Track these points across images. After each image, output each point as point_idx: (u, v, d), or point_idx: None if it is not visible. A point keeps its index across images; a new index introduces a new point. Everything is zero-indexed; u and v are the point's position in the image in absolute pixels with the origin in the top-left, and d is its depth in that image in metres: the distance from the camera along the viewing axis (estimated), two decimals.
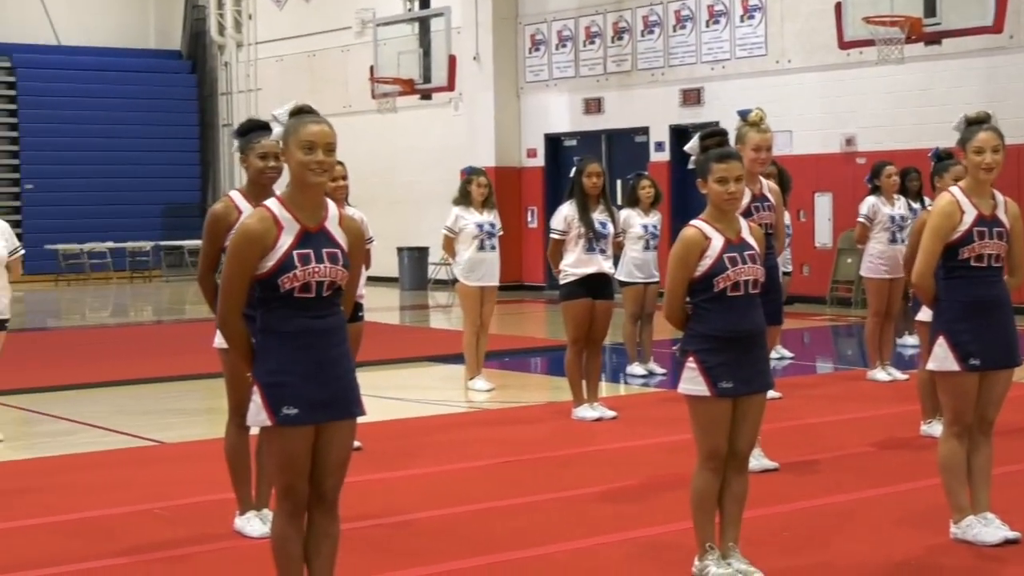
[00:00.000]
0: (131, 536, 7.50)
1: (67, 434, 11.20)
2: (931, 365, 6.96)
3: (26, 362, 14.91)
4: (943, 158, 9.40)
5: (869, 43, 19.52)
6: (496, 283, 13.10)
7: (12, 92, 33.00)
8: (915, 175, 14.35)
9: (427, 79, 26.03)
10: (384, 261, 20.68)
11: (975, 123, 6.89)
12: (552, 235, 11.18)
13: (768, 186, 8.72)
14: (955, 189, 6.94)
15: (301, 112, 5.35)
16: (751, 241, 6.29)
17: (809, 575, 6.51)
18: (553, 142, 26.77)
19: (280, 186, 7.52)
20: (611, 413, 11.13)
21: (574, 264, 11.04)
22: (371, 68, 26.86)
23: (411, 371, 15.15)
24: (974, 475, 6.95)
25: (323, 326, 5.25)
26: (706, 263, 6.14)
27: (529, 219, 26.81)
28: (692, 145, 6.46)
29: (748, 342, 6.19)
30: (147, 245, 32.60)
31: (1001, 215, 6.89)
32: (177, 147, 34.16)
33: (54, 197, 32.36)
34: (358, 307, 9.16)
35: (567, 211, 11.10)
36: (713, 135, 6.40)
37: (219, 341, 7.16)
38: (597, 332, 11.11)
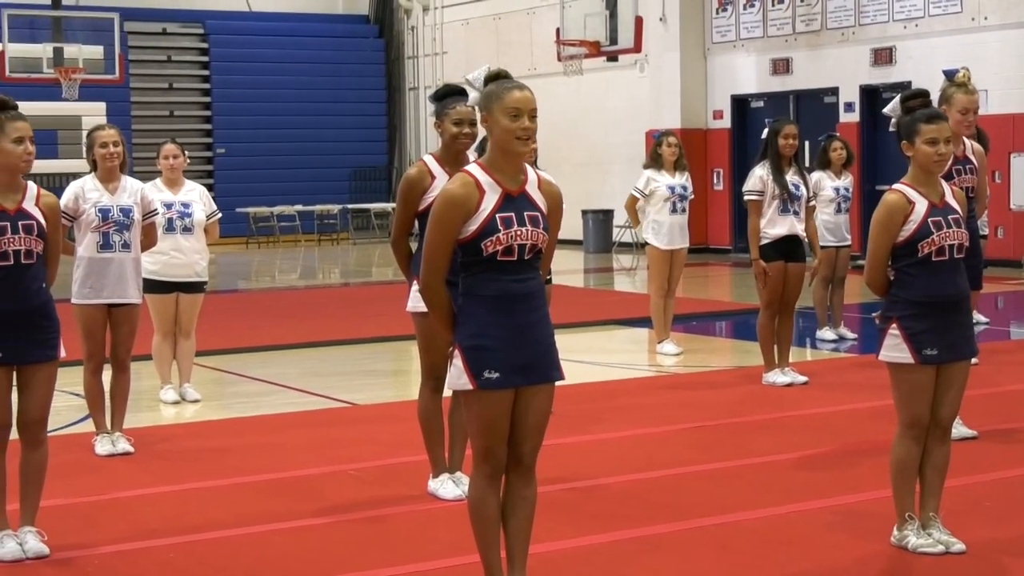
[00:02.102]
0: (327, 496, 7.61)
1: (262, 395, 11.41)
2: None
3: (220, 323, 15.21)
4: None
5: None
6: (686, 246, 13.02)
7: (205, 58, 33.64)
8: None
9: (613, 41, 25.81)
10: (569, 224, 20.61)
11: None
12: (748, 197, 11.00)
13: (972, 147, 8.49)
14: None
15: (499, 77, 5.32)
16: (955, 205, 6.17)
17: (1014, 547, 6.35)
18: (740, 103, 26.47)
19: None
20: (802, 378, 10.98)
21: (767, 226, 10.89)
22: (557, 30, 26.77)
23: (598, 334, 15.13)
24: None
25: (523, 290, 5.24)
26: (910, 228, 6.02)
27: (715, 181, 26.57)
28: (893, 107, 6.33)
29: (953, 308, 6.06)
30: (335, 208, 33.05)
31: None
32: (364, 111, 34.52)
33: (245, 161, 32.98)
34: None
35: (760, 172, 10.95)
36: (916, 96, 6.25)
37: (412, 304, 7.20)
38: (790, 295, 10.96)
